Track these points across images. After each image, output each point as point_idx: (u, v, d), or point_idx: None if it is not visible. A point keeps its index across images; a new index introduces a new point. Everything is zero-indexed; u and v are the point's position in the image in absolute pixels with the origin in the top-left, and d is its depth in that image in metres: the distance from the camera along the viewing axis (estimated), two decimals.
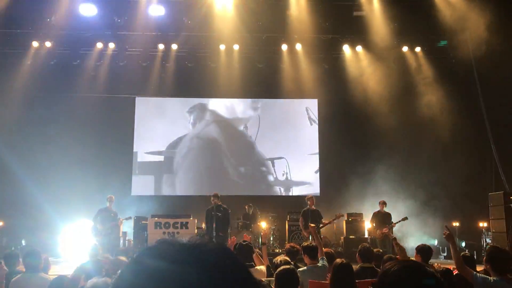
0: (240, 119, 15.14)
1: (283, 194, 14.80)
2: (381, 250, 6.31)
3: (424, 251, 5.53)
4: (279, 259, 5.34)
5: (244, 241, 5.67)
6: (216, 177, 14.73)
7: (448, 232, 4.36)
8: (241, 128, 15.12)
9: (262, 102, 15.29)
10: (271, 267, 5.55)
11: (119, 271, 0.74)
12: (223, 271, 0.70)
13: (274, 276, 3.77)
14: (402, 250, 5.88)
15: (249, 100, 15.20)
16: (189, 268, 0.68)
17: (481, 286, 3.88)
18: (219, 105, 15.21)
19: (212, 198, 10.49)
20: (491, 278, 3.87)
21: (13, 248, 11.52)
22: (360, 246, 5.72)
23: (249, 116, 15.15)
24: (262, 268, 5.29)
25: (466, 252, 7.16)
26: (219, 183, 14.55)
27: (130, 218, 11.64)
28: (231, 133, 15.07)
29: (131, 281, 0.70)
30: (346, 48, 14.15)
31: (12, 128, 13.28)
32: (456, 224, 12.87)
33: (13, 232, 12.78)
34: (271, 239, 12.52)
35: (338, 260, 4.06)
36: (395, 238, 6.19)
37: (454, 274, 5.65)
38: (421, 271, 1.51)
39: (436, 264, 6.03)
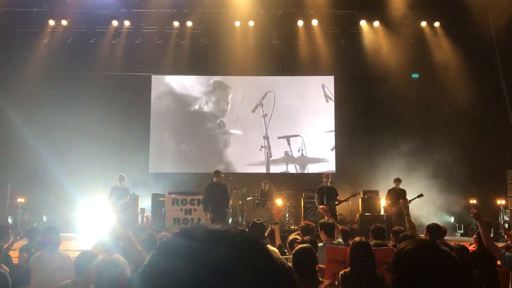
0: (255, 97, 15.09)
1: (299, 172, 14.83)
2: (402, 228, 6.33)
3: (432, 230, 5.61)
4: (293, 238, 5.39)
5: (258, 219, 5.73)
6: (230, 153, 14.80)
7: (476, 211, 4.38)
8: (257, 105, 15.08)
9: (277, 79, 15.20)
10: (283, 246, 5.60)
11: (151, 252, 0.78)
12: (250, 253, 0.74)
13: (292, 255, 3.77)
14: (412, 226, 5.89)
15: (264, 77, 15.11)
16: (219, 247, 0.72)
17: (509, 263, 3.95)
18: (235, 83, 15.18)
19: (214, 174, 10.12)
20: None
21: (35, 224, 11.86)
22: (372, 225, 5.78)
23: (265, 93, 15.08)
24: (275, 249, 5.29)
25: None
26: (233, 160, 14.64)
27: (128, 199, 11.26)
28: (246, 111, 15.05)
29: (163, 260, 0.74)
30: (363, 24, 13.90)
31: (30, 105, 13.47)
32: (473, 201, 12.76)
33: (34, 208, 13.08)
34: (287, 216, 12.55)
35: (357, 239, 4.07)
36: (408, 214, 6.19)
37: (471, 251, 5.67)
38: (434, 250, 1.52)
39: (453, 242, 6.05)
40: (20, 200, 12.91)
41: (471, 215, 4.40)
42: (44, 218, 12.96)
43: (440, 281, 1.46)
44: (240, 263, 0.71)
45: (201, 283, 0.69)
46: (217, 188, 9.88)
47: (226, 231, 0.77)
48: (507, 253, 4.01)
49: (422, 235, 5.90)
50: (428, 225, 5.72)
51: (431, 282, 1.46)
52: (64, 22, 13.51)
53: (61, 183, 12.98)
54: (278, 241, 5.74)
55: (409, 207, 11.18)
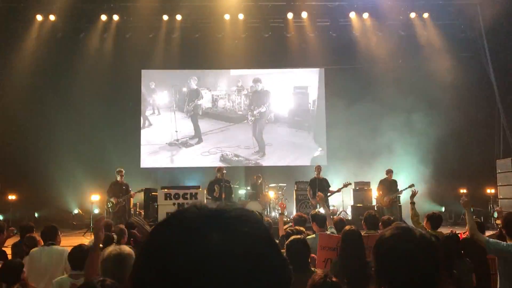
0: (246, 89, 15.09)
1: (291, 164, 14.87)
2: (391, 218, 6.37)
3: (434, 218, 5.63)
4: (286, 228, 5.42)
5: (252, 210, 5.73)
6: (222, 148, 14.80)
7: (466, 199, 4.42)
8: (246, 98, 15.08)
9: (268, 72, 15.20)
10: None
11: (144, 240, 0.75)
12: (242, 239, 0.70)
13: (285, 246, 3.80)
14: (416, 214, 5.96)
15: (255, 70, 15.11)
16: (212, 232, 0.69)
17: (494, 250, 3.99)
18: (225, 75, 15.16)
19: (218, 171, 10.74)
20: (504, 242, 3.97)
21: (28, 222, 11.80)
22: (365, 213, 5.80)
23: (256, 86, 15.08)
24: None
25: (476, 219, 7.23)
26: (226, 154, 14.65)
27: (142, 190, 11.75)
28: (237, 104, 15.04)
29: (153, 251, 0.71)
30: (353, 16, 13.92)
31: (20, 101, 13.30)
32: (463, 191, 12.90)
33: (26, 205, 12.99)
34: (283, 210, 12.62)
35: (347, 227, 4.12)
36: (412, 203, 6.22)
37: (461, 239, 5.73)
38: (409, 236, 1.54)
39: (450, 230, 6.11)
40: (11, 197, 12.82)
41: (461, 202, 4.45)
42: (36, 215, 12.91)
43: (417, 266, 1.48)
44: (234, 251, 0.68)
45: (193, 274, 0.66)
46: (220, 184, 10.47)
47: (222, 213, 0.73)
48: (491, 239, 4.06)
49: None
50: (428, 214, 5.75)
51: (409, 268, 1.48)
52: (52, 17, 13.37)
53: (52, 180, 12.94)
54: (281, 232, 5.77)
55: (400, 196, 11.34)
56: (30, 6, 13.19)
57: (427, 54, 13.85)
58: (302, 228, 5.27)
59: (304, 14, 13.80)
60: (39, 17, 13.36)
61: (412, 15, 13.83)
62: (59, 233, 5.19)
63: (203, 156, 14.75)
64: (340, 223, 5.92)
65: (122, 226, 5.78)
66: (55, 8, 13.07)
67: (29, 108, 13.51)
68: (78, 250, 3.86)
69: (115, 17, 13.67)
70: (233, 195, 11.14)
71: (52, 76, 13.95)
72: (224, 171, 10.79)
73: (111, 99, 14.14)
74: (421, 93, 13.65)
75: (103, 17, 13.62)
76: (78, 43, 13.82)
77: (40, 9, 13.23)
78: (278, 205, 11.50)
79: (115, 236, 5.18)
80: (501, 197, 11.92)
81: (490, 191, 12.60)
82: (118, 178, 10.85)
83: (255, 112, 14.97)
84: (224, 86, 15.17)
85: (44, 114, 13.53)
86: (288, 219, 11.82)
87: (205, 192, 11.16)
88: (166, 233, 0.72)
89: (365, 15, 13.82)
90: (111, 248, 2.58)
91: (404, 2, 13.34)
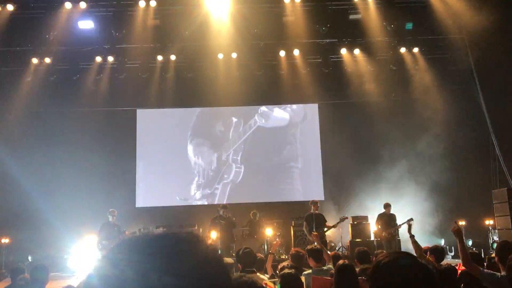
0: (241, 126, 15.17)
1: (287, 200, 14.77)
2: (384, 251, 6.29)
3: (438, 251, 5.69)
4: (283, 265, 5.32)
5: (246, 248, 5.65)
6: (218, 185, 14.73)
7: (457, 227, 4.36)
8: (242, 135, 15.14)
9: (262, 108, 15.32)
10: (276, 275, 5.53)
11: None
12: (187, 258, 0.70)
13: (280, 277, 3.77)
14: (420, 248, 5.90)
15: (249, 108, 15.23)
16: (152, 257, 0.68)
17: (488, 282, 3.87)
18: (219, 113, 15.26)
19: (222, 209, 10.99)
20: (498, 274, 3.86)
21: (19, 264, 11.57)
22: (356, 249, 5.76)
23: (252, 122, 15.17)
24: (263, 277, 5.19)
25: (473, 250, 7.14)
26: (221, 191, 14.57)
27: (135, 232, 11.61)
28: (232, 141, 15.09)
29: (99, 274, 0.71)
30: (344, 52, 14.17)
31: (16, 144, 13.33)
32: (462, 223, 12.79)
33: (19, 248, 12.77)
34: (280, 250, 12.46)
35: (341, 262, 4.06)
36: (412, 236, 6.14)
37: (460, 271, 5.64)
38: (410, 262, 1.52)
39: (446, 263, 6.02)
40: (4, 240, 12.62)
41: (452, 229, 4.38)
42: (30, 258, 12.67)
43: None
44: (181, 271, 0.68)
45: None
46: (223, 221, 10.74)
47: (166, 236, 0.73)
48: (485, 270, 3.96)
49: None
50: (432, 247, 5.85)
51: None
52: (47, 60, 13.57)
53: (47, 221, 12.79)
54: (270, 271, 5.66)
55: (399, 230, 11.24)
56: (26, 49, 13.39)
57: (419, 87, 14.03)
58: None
59: (296, 52, 14.06)
60: (34, 60, 13.55)
61: (402, 50, 14.09)
62: (49, 274, 5.09)
63: (199, 193, 14.66)
64: (336, 258, 5.84)
65: None
66: (51, 51, 13.26)
67: (23, 150, 13.49)
68: None
69: (110, 59, 13.88)
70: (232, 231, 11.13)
71: (45, 117, 14.02)
72: (227, 208, 11.15)
73: (106, 139, 14.16)
74: (415, 126, 13.75)
75: (98, 59, 13.82)
76: (73, 85, 13.95)
77: (36, 53, 13.43)
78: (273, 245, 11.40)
79: None
80: (499, 227, 11.81)
81: (488, 222, 12.50)
82: (110, 219, 10.75)
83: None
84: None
85: (38, 156, 13.52)
86: (286, 256, 11.67)
87: (200, 231, 11.06)
88: (114, 253, 0.72)
89: (356, 51, 14.07)
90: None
91: (394, 37, 13.61)
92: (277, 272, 5.43)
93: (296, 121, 15.29)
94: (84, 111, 13.98)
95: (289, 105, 15.24)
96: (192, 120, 15.23)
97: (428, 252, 5.74)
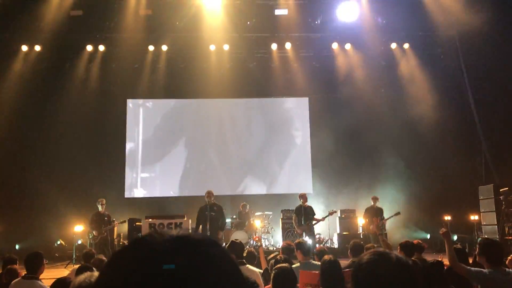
0: (232, 119, 15.17)
1: (276, 192, 14.84)
2: (375, 246, 6.38)
3: (407, 247, 5.66)
4: (273, 257, 5.40)
5: (236, 239, 5.73)
6: (207, 176, 14.74)
7: (445, 230, 4.42)
8: (233, 127, 15.14)
9: (253, 101, 15.32)
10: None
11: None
12: (209, 261, 0.70)
13: (272, 275, 3.80)
14: (389, 247, 5.94)
15: (240, 100, 15.23)
16: (175, 257, 0.68)
17: (477, 279, 3.90)
18: (210, 105, 15.23)
19: (206, 196, 10.34)
20: (486, 270, 3.89)
21: (11, 254, 11.52)
22: (351, 242, 5.82)
23: (241, 115, 15.18)
24: (255, 269, 5.25)
25: (458, 245, 7.26)
26: (211, 182, 14.57)
27: (124, 221, 11.62)
28: (223, 133, 15.09)
29: (113, 273, 0.69)
30: (335, 47, 14.21)
31: (4, 133, 13.19)
32: (448, 217, 13.00)
33: (6, 237, 12.68)
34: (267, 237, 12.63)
35: (326, 257, 4.14)
36: (381, 234, 6.22)
37: (447, 266, 5.73)
38: (388, 260, 1.54)
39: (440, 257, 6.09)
40: None
41: (441, 233, 4.44)
42: (17, 247, 12.61)
43: None
44: (200, 274, 0.68)
45: None
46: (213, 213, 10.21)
47: (185, 237, 0.72)
48: (473, 269, 4.01)
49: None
50: (401, 243, 5.78)
51: None
52: (37, 48, 13.41)
53: (34, 210, 12.73)
54: (264, 265, 5.71)
55: (385, 224, 11.38)
56: (16, 37, 13.22)
57: (409, 83, 14.14)
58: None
59: (288, 45, 14.07)
60: (24, 48, 13.38)
61: (393, 45, 14.18)
62: (44, 262, 5.06)
63: (188, 184, 14.68)
64: (320, 253, 5.92)
65: (102, 257, 5.74)
66: (41, 38, 13.11)
67: (12, 138, 13.38)
68: (58, 284, 3.64)
69: (101, 48, 13.76)
70: (219, 222, 10.65)
71: (35, 106, 13.86)
72: (211, 196, 10.34)
73: (96, 128, 14.08)
74: (404, 121, 13.88)
75: (89, 48, 13.70)
76: (64, 73, 13.83)
77: (26, 40, 13.27)
78: (254, 239, 11.43)
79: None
80: (484, 223, 12.01)
81: (474, 217, 12.70)
82: (100, 209, 10.73)
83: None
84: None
85: (27, 144, 13.43)
86: (275, 248, 11.79)
87: (189, 222, 11.06)
88: (129, 256, 0.71)
89: (347, 46, 14.13)
90: (83, 276, 2.43)
91: (385, 33, 13.69)
92: (268, 261, 5.49)
93: (286, 115, 15.32)
94: (74, 100, 13.84)
95: (280, 98, 15.26)
96: (183, 111, 15.19)
97: (398, 248, 5.76)
